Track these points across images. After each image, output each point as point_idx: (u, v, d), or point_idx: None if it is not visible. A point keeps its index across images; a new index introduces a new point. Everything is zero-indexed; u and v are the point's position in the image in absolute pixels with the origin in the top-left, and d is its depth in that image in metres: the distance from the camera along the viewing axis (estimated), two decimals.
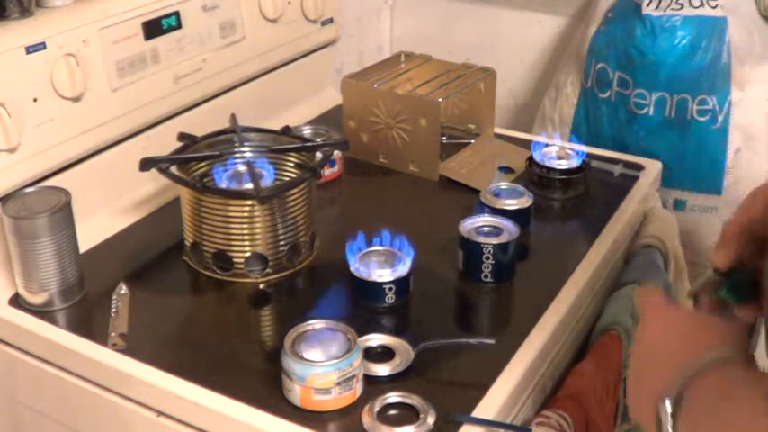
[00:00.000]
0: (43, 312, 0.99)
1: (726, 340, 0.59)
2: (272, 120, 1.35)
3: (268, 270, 1.06)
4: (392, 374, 0.89)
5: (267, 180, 1.06)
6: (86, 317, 1.00)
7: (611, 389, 1.00)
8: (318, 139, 1.25)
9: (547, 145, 1.31)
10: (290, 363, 0.83)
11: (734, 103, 1.50)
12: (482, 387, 0.87)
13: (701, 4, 1.49)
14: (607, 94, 1.58)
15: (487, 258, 1.03)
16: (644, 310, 0.68)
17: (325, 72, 1.57)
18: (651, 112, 1.53)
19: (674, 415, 0.57)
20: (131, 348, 0.93)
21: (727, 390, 0.56)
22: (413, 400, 0.84)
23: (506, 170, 1.31)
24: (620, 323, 1.03)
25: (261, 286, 1.05)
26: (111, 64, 1.12)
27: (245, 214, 1.03)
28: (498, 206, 1.13)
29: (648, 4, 1.50)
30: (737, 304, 0.68)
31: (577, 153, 1.28)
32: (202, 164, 1.11)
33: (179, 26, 1.21)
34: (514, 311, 1.07)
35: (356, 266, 1.01)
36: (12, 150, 1.01)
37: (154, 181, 1.17)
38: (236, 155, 1.12)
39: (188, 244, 1.08)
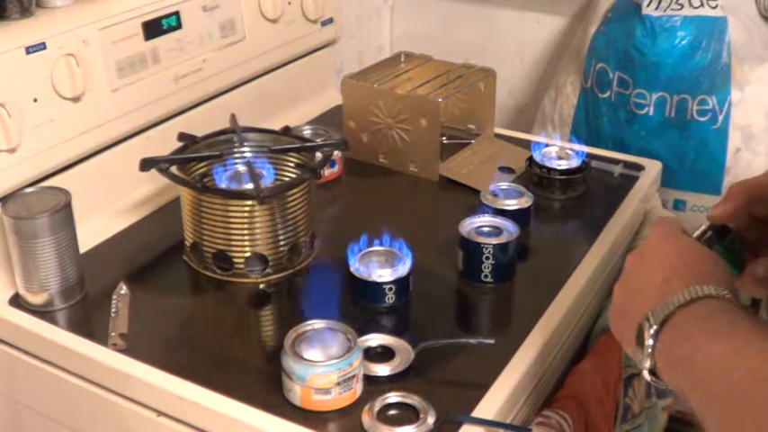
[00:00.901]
0: (43, 312, 0.99)
1: (721, 279, 0.60)
2: (272, 120, 1.35)
3: (268, 270, 1.06)
4: (392, 374, 0.89)
5: (267, 180, 1.06)
6: (86, 317, 1.00)
7: (611, 389, 1.00)
8: (318, 139, 1.25)
9: (547, 145, 1.31)
10: (290, 363, 0.83)
11: (734, 103, 1.50)
12: (482, 387, 0.87)
13: (701, 4, 1.49)
14: (607, 94, 1.58)
15: (487, 258, 1.03)
16: (653, 232, 0.68)
17: (325, 72, 1.57)
18: (651, 112, 1.53)
19: (656, 335, 0.58)
20: (131, 348, 0.93)
21: (708, 318, 0.57)
22: (413, 400, 0.84)
23: (506, 170, 1.31)
24: None
25: (261, 286, 1.05)
26: (111, 64, 1.12)
27: (245, 214, 1.03)
28: (498, 206, 1.13)
29: (648, 5, 1.50)
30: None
31: (577, 153, 1.28)
32: (202, 164, 1.11)
33: (179, 26, 1.21)
34: (514, 311, 1.07)
35: (356, 266, 1.01)
36: (12, 150, 1.01)
37: (154, 181, 1.17)
38: (236, 155, 1.12)
39: (188, 244, 1.08)
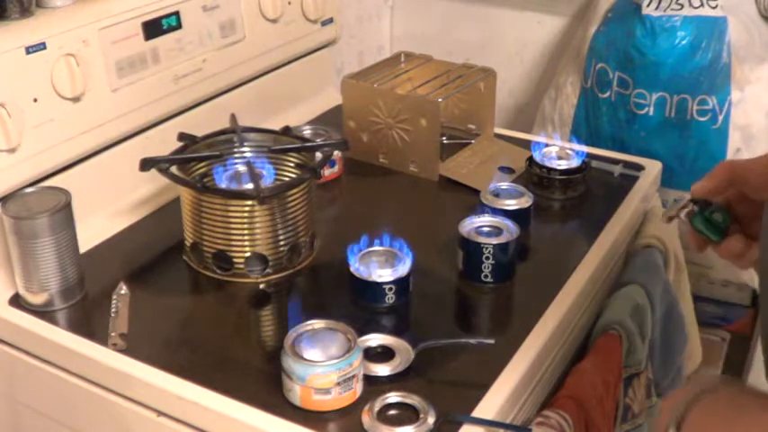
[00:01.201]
0: (43, 312, 0.99)
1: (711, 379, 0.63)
2: (272, 120, 1.35)
3: (268, 270, 1.06)
4: (392, 374, 0.89)
5: (267, 180, 1.06)
6: (86, 317, 1.00)
7: (611, 389, 1.00)
8: (318, 139, 1.25)
9: (547, 145, 1.31)
10: (290, 363, 0.83)
11: (734, 103, 1.50)
12: (482, 387, 0.87)
13: (701, 4, 1.49)
14: (607, 94, 1.58)
15: (487, 258, 1.03)
16: None
17: (325, 72, 1.57)
18: (651, 112, 1.53)
19: (677, 429, 0.59)
20: (131, 348, 0.93)
21: (709, 415, 0.58)
22: (413, 400, 0.84)
23: (506, 170, 1.31)
24: (620, 323, 1.03)
25: (261, 286, 1.05)
26: (111, 64, 1.12)
27: (245, 214, 1.03)
28: (498, 206, 1.13)
29: (648, 5, 1.50)
30: (709, 238, 0.75)
31: (577, 153, 1.28)
32: (202, 164, 1.11)
33: (179, 26, 1.21)
34: (514, 311, 1.07)
35: (356, 266, 1.01)
36: (12, 150, 1.01)
37: (154, 181, 1.17)
38: (236, 155, 1.12)
39: (188, 244, 1.08)
